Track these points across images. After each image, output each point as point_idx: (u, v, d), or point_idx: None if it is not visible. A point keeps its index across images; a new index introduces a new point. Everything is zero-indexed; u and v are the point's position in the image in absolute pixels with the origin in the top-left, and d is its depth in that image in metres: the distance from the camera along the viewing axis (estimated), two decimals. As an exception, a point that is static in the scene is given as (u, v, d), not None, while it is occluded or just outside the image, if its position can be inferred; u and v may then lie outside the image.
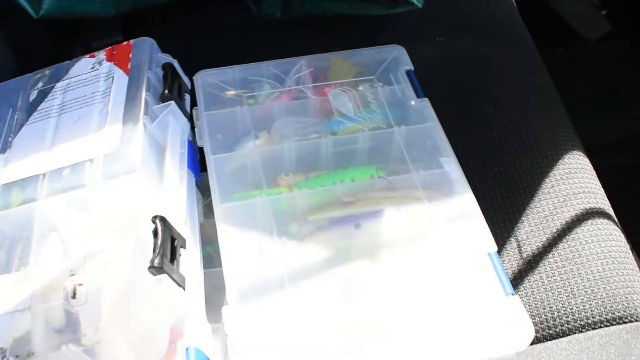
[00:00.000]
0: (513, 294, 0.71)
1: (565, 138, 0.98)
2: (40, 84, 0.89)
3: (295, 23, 1.13)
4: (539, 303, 0.82)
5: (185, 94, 0.89)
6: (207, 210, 0.84)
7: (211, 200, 0.79)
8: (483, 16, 1.20)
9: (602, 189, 0.93)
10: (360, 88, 0.93)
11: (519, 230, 0.87)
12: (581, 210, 0.88)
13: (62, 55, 0.97)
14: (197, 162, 0.85)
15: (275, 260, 0.75)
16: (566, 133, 1.00)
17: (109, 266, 0.66)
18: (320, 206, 0.80)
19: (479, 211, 0.77)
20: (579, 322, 0.80)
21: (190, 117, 0.87)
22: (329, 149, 0.86)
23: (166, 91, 0.83)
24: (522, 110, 1.02)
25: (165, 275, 0.65)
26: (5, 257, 0.72)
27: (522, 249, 0.86)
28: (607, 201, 0.92)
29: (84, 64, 0.89)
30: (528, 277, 0.83)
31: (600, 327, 0.81)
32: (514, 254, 0.86)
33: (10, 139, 0.83)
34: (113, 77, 0.84)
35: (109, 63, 0.87)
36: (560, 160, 0.94)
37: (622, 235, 0.89)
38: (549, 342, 0.80)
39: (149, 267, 0.64)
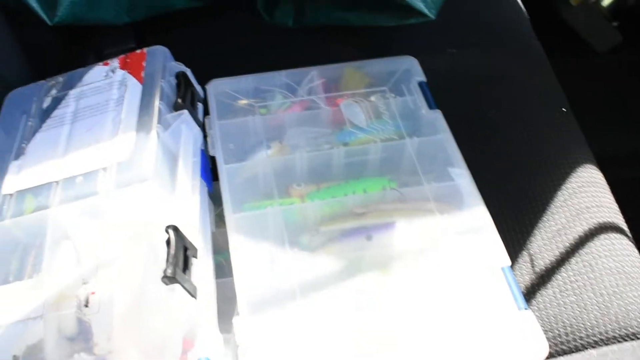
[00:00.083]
0: (526, 309, 0.71)
1: (577, 151, 0.98)
2: (53, 91, 0.89)
3: (308, 32, 1.13)
4: (552, 318, 0.81)
5: (198, 102, 0.89)
6: (219, 219, 0.84)
7: (222, 209, 0.79)
8: (495, 27, 1.19)
9: (615, 203, 0.93)
10: (373, 99, 0.93)
11: (532, 244, 0.87)
12: (594, 225, 0.88)
13: (75, 62, 0.98)
14: (209, 171, 0.85)
15: (287, 271, 0.75)
16: (578, 145, 1.00)
17: (122, 275, 0.66)
18: (332, 217, 0.80)
19: (492, 224, 0.77)
20: (592, 337, 0.79)
21: (202, 126, 0.87)
22: (341, 160, 0.86)
23: (179, 100, 0.83)
24: (534, 123, 1.02)
25: (177, 285, 0.65)
26: (18, 264, 0.72)
27: (535, 263, 0.85)
28: (621, 215, 0.92)
29: (98, 71, 0.89)
30: (541, 292, 0.83)
31: (614, 343, 0.80)
32: (527, 268, 0.85)
33: (23, 145, 0.83)
34: (126, 85, 0.85)
35: (122, 71, 0.87)
36: (572, 173, 0.93)
37: (635, 249, 0.89)
38: (562, 357, 0.80)
39: (162, 277, 0.64)
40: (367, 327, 0.71)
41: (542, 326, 0.81)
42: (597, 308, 0.81)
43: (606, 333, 0.80)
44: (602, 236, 0.87)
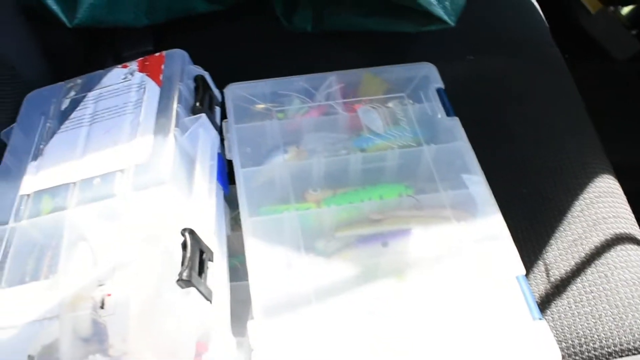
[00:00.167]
0: (540, 319, 0.70)
1: (595, 160, 0.98)
2: (72, 93, 0.89)
3: (326, 37, 1.13)
4: (566, 328, 0.81)
5: (216, 106, 0.90)
6: (234, 222, 0.85)
7: (238, 212, 0.79)
8: (514, 35, 1.19)
9: (632, 214, 0.92)
10: (390, 105, 0.93)
11: (547, 254, 0.87)
12: (611, 235, 0.87)
13: (93, 64, 0.98)
14: (226, 174, 0.85)
15: (302, 276, 0.75)
16: (596, 154, 0.99)
17: (138, 277, 0.66)
18: (348, 223, 0.80)
19: (508, 233, 0.77)
20: (605, 349, 0.79)
21: (220, 130, 0.88)
22: (358, 166, 0.86)
23: (197, 104, 0.84)
24: (552, 131, 1.01)
25: (192, 288, 0.65)
26: (35, 265, 0.73)
27: (550, 272, 0.85)
28: (637, 226, 0.91)
29: (116, 74, 0.90)
30: (555, 302, 0.82)
31: (628, 355, 0.79)
32: (542, 278, 0.85)
33: (42, 146, 0.83)
34: (145, 88, 0.85)
35: (141, 74, 0.88)
36: (590, 183, 0.93)
37: (651, 261, 0.88)
38: (575, 367, 0.80)
39: (178, 280, 0.64)
40: (382, 333, 0.71)
41: (555, 336, 0.80)
42: (611, 319, 0.80)
43: (620, 345, 0.79)
44: (619, 247, 0.86)
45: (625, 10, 1.68)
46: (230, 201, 0.85)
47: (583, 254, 0.86)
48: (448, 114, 0.90)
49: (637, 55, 1.72)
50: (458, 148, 0.86)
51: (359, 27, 1.11)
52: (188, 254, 0.66)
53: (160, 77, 0.86)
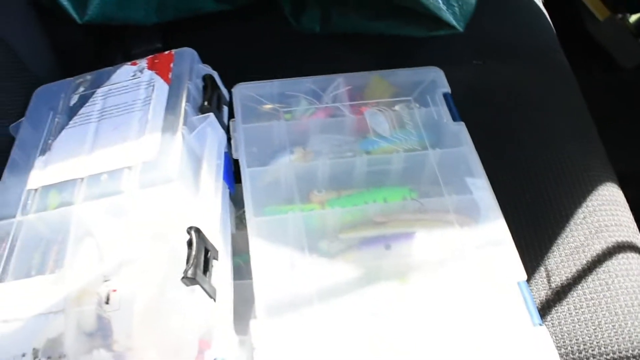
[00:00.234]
0: (541, 325, 0.71)
1: (599, 168, 0.98)
2: (81, 89, 0.90)
3: (334, 39, 1.13)
4: (566, 335, 0.81)
5: (224, 105, 0.90)
6: (239, 221, 0.85)
7: (243, 211, 0.80)
8: (521, 41, 1.19)
9: (634, 223, 0.93)
10: (397, 108, 0.93)
11: (549, 260, 0.87)
12: (612, 244, 0.88)
13: (103, 61, 0.99)
14: (232, 173, 0.86)
15: (306, 277, 0.75)
16: (600, 162, 1.00)
17: (143, 274, 0.67)
18: (352, 225, 0.81)
19: (510, 239, 0.77)
20: (605, 356, 0.79)
21: (227, 129, 0.88)
22: (363, 168, 0.86)
23: (206, 103, 0.84)
24: (557, 137, 1.02)
25: (197, 286, 0.66)
26: (41, 259, 0.73)
27: (551, 279, 0.85)
28: (639, 235, 0.91)
29: (126, 71, 0.90)
30: (556, 308, 0.83)
31: (627, 362, 0.80)
32: (543, 284, 0.85)
33: (50, 141, 0.84)
34: (154, 85, 0.85)
35: (150, 71, 0.88)
36: (593, 191, 0.93)
37: (652, 270, 0.89)
38: (574, 374, 0.80)
39: (182, 278, 0.65)
40: (383, 335, 0.71)
41: (555, 342, 0.81)
42: (611, 327, 0.81)
43: (619, 352, 0.80)
44: (620, 255, 0.87)
45: (633, 17, 1.68)
46: (236, 200, 0.85)
47: (584, 261, 0.86)
48: (454, 119, 0.90)
49: (644, 64, 1.72)
50: (463, 153, 0.87)
51: (368, 30, 1.11)
52: (193, 252, 0.67)
53: (169, 76, 0.86)
